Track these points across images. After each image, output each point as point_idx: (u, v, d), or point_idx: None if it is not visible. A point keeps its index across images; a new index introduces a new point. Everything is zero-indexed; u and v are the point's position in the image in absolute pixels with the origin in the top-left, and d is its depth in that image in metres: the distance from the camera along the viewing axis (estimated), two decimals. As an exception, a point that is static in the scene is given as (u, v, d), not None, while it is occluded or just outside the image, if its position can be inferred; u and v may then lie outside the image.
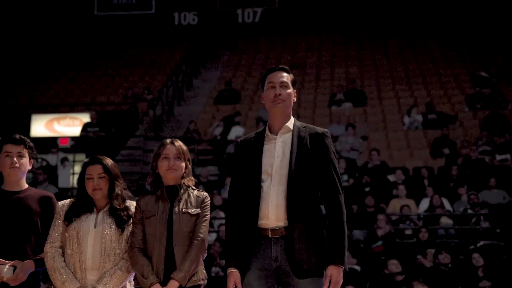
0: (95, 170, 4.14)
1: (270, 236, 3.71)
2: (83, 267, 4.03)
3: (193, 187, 4.16)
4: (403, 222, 11.08)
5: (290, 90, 3.90)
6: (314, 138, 3.83)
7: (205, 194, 4.16)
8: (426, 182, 12.16)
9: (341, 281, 3.67)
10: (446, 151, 13.47)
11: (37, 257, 4.14)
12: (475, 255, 9.18)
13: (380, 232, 10.25)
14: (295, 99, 3.98)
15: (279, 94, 3.86)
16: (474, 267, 9.04)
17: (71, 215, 4.10)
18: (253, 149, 3.88)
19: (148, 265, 3.94)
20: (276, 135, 3.88)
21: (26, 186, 4.37)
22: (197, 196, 4.11)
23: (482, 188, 11.51)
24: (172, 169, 4.06)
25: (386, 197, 11.70)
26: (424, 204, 11.39)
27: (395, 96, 17.33)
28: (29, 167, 4.39)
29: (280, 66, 4.02)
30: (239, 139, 4.07)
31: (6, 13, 20.61)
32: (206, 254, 4.10)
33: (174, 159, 4.07)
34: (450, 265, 9.18)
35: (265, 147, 3.86)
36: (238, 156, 3.95)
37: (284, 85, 3.89)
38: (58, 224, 4.11)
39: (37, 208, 4.22)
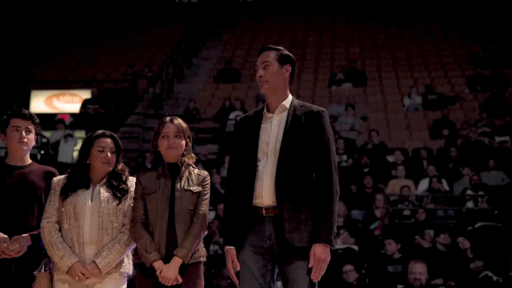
0: (107, 144, 4.15)
1: (264, 214, 3.73)
2: (81, 241, 4.04)
3: (194, 165, 4.17)
4: (402, 202, 11.10)
5: (275, 67, 3.86)
6: (310, 116, 3.81)
7: (206, 172, 4.18)
8: (425, 163, 12.17)
9: (327, 259, 3.67)
10: (446, 132, 13.48)
11: (34, 232, 4.14)
12: (460, 239, 9.19)
13: (377, 213, 10.27)
14: (289, 73, 3.91)
15: (260, 76, 3.87)
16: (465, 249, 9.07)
17: (67, 190, 4.10)
18: (251, 128, 3.88)
19: (151, 241, 3.96)
20: (273, 113, 3.87)
21: (30, 161, 4.37)
22: (198, 175, 4.13)
23: (481, 170, 11.52)
24: (172, 147, 4.06)
25: (385, 177, 11.72)
26: (423, 185, 11.41)
27: (395, 77, 17.30)
28: (34, 143, 4.39)
29: (265, 46, 3.98)
30: (238, 117, 4.08)
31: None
32: (207, 231, 4.13)
33: (174, 138, 4.07)
34: (447, 246, 9.21)
35: (262, 126, 3.86)
36: (237, 134, 3.96)
37: (266, 65, 3.86)
38: (54, 200, 4.12)
39: (41, 183, 4.23)
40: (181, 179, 4.06)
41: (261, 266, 3.72)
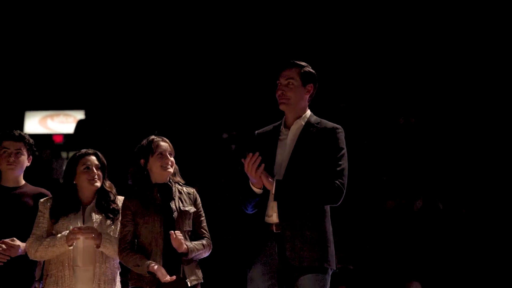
0: (93, 161, 4.11)
1: (274, 231, 3.69)
2: (71, 265, 3.98)
3: (180, 183, 4.10)
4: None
5: (298, 86, 3.81)
6: (324, 134, 3.76)
7: (193, 189, 4.12)
8: None
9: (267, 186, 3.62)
10: None
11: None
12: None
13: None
14: (310, 93, 3.85)
15: (281, 94, 3.81)
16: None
17: (58, 213, 4.03)
18: (268, 145, 3.84)
19: (141, 257, 3.85)
20: (289, 130, 3.84)
21: (23, 182, 4.34)
22: (188, 193, 4.06)
23: None
24: (169, 166, 4.00)
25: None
26: None
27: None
28: (28, 164, 4.35)
29: (289, 61, 3.89)
30: (256, 132, 4.01)
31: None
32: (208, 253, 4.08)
33: (170, 156, 4.03)
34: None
35: (279, 144, 3.82)
36: (254, 149, 3.84)
37: (289, 82, 3.80)
38: (42, 222, 4.06)
39: (33, 205, 4.19)
40: (174, 199, 3.97)
41: (268, 285, 3.67)
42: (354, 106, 11.81)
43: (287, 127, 3.86)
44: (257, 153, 3.61)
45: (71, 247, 3.93)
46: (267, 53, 13.17)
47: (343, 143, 3.77)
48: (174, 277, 3.79)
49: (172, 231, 3.80)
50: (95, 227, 4.01)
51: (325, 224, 3.73)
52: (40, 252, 3.95)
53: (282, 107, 3.84)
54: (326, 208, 3.76)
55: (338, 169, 3.69)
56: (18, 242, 4.04)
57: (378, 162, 10.58)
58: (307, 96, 3.86)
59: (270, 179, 3.64)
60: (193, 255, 3.90)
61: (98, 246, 3.95)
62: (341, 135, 3.79)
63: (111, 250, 3.96)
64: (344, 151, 3.76)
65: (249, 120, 12.55)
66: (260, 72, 13.21)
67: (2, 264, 4.00)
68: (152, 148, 4.00)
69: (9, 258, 4.01)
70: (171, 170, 4.01)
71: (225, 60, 13.99)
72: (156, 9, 14.67)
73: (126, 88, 15.12)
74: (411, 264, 9.25)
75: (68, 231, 3.93)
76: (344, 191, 3.68)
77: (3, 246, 3.99)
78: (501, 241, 9.05)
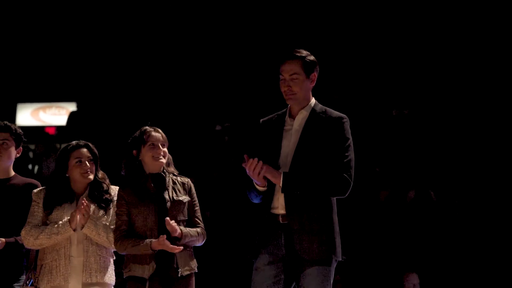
0: (84, 154, 4.09)
1: (281, 222, 3.68)
2: (67, 254, 3.98)
3: (174, 173, 4.10)
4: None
5: (302, 79, 3.75)
6: (329, 123, 3.72)
7: (188, 179, 4.12)
8: None
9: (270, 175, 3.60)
10: None
11: (10, 239, 4.09)
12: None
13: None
14: (315, 81, 3.81)
15: (288, 90, 3.76)
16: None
17: (52, 204, 4.04)
18: (273, 134, 3.81)
19: (137, 239, 3.87)
20: (294, 119, 3.80)
21: (13, 173, 4.32)
22: (182, 183, 4.06)
23: None
24: (161, 157, 3.99)
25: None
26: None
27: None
28: (17, 155, 4.33)
29: (289, 53, 3.82)
30: (261, 120, 3.96)
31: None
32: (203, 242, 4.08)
33: (162, 147, 4.02)
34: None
35: (284, 134, 3.79)
36: (259, 137, 3.87)
37: (293, 78, 3.74)
38: (37, 211, 4.06)
39: (23, 196, 4.18)
40: (167, 189, 3.97)
41: (273, 274, 3.66)
42: (347, 97, 11.81)
43: (292, 117, 3.82)
44: (256, 159, 3.58)
45: (75, 231, 3.92)
46: (260, 46, 13.15)
47: (349, 133, 3.74)
48: (181, 248, 3.81)
49: (167, 218, 3.81)
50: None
51: (332, 216, 3.72)
52: (41, 240, 3.95)
53: (289, 102, 3.80)
54: (332, 200, 3.74)
55: (345, 160, 3.67)
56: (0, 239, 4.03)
57: (371, 153, 10.59)
58: (312, 85, 3.83)
59: (276, 174, 3.61)
60: (187, 240, 3.90)
61: (82, 227, 3.93)
62: (347, 124, 3.75)
63: (94, 232, 3.96)
64: (350, 141, 3.73)
65: (243, 112, 12.54)
66: (253, 65, 13.19)
67: None
68: (143, 139, 4.00)
69: None
70: (163, 160, 4.01)
71: (218, 52, 13.96)
72: (147, 3, 14.63)
73: (119, 79, 15.08)
74: (408, 255, 9.28)
75: (68, 218, 3.94)
76: (352, 182, 3.67)
77: None
78: (495, 231, 9.08)
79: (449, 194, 9.77)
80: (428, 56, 12.66)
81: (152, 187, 3.96)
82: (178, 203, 3.96)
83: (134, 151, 4.02)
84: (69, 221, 3.92)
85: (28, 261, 4.24)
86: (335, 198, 3.76)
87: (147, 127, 4.07)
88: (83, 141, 4.17)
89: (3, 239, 4.04)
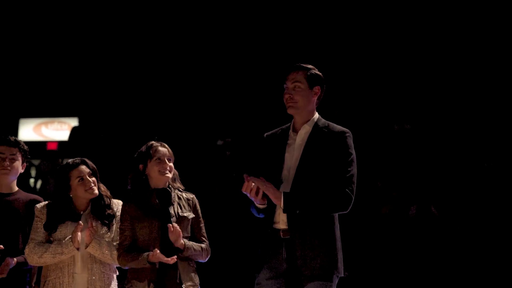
0: (84, 171, 4.10)
1: (282, 237, 3.69)
2: (70, 272, 3.98)
3: (180, 189, 4.10)
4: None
5: (305, 89, 3.78)
6: (333, 138, 3.73)
7: (193, 195, 4.12)
8: None
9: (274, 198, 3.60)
10: None
11: (20, 258, 4.08)
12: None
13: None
14: (318, 95, 3.82)
15: (289, 98, 3.79)
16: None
17: (55, 222, 4.03)
18: (276, 149, 3.83)
19: (138, 253, 3.86)
20: (297, 133, 3.82)
21: (17, 189, 4.32)
22: (187, 199, 4.05)
23: None
24: (167, 171, 3.99)
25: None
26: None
27: None
28: (21, 170, 4.34)
29: (295, 64, 3.87)
30: (265, 134, 3.98)
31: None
32: (207, 259, 4.07)
33: (168, 161, 4.03)
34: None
35: (287, 148, 3.80)
36: (262, 152, 3.89)
37: (295, 86, 3.78)
38: (40, 227, 4.05)
39: (26, 211, 4.18)
40: (173, 205, 3.96)
41: None
42: (348, 112, 11.83)
43: (295, 131, 3.84)
44: (251, 182, 3.61)
45: (79, 249, 3.93)
46: (262, 62, 13.19)
47: (351, 147, 3.75)
48: (175, 258, 3.79)
49: (170, 224, 3.81)
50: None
51: (334, 231, 3.72)
52: (45, 259, 3.95)
53: (290, 111, 3.82)
54: (335, 215, 3.75)
55: (347, 175, 3.68)
56: (11, 260, 4.03)
57: (373, 168, 10.59)
58: (315, 99, 3.84)
59: (277, 194, 3.62)
60: (189, 253, 3.89)
61: (87, 246, 3.94)
62: (350, 139, 3.76)
63: (98, 251, 3.96)
64: (353, 156, 3.74)
65: (244, 127, 12.56)
66: (255, 81, 13.23)
67: None
68: (150, 153, 4.00)
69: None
70: (170, 175, 4.01)
71: (221, 67, 14.00)
72: (148, 16, 14.68)
73: (121, 94, 15.11)
74: (408, 269, 9.25)
75: (70, 236, 3.94)
76: (353, 197, 3.67)
77: None
78: (495, 245, 9.07)
79: (451, 209, 9.76)
80: (430, 71, 12.70)
81: (156, 202, 3.95)
82: (183, 219, 3.95)
83: (141, 166, 4.02)
84: (72, 240, 3.91)
85: (31, 277, 4.23)
86: (337, 214, 3.76)
87: (153, 142, 4.07)
88: (79, 158, 4.16)
89: (15, 259, 4.05)
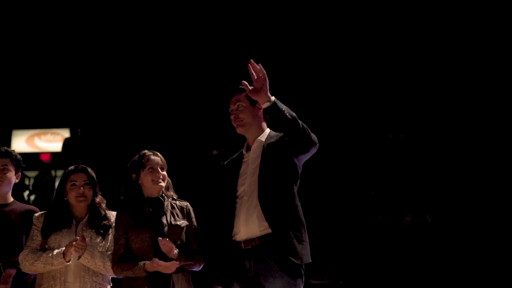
0: (80, 178, 4.10)
1: (243, 248, 3.74)
2: (62, 280, 3.98)
3: (174, 197, 4.09)
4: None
5: (247, 106, 3.90)
6: (283, 139, 3.80)
7: (186, 203, 4.12)
8: None
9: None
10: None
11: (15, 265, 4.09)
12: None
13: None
14: (262, 109, 3.88)
15: (233, 118, 3.94)
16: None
17: (51, 229, 4.03)
18: (231, 170, 3.95)
19: (133, 262, 3.85)
20: (251, 150, 3.91)
21: (12, 199, 4.31)
22: (181, 207, 4.05)
23: None
24: (161, 180, 3.99)
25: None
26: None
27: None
28: (16, 180, 4.33)
29: (235, 87, 3.97)
30: (225, 162, 4.12)
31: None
32: (200, 268, 4.06)
33: (161, 170, 4.02)
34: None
35: (241, 168, 3.90)
36: (220, 178, 4.06)
37: (238, 106, 3.91)
38: (36, 235, 4.07)
39: (21, 222, 4.18)
40: (165, 213, 3.96)
41: None
42: (342, 120, 11.84)
43: (249, 149, 3.94)
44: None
45: (69, 262, 3.90)
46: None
47: None
48: (177, 263, 3.81)
49: (160, 238, 3.79)
50: (86, 242, 3.98)
51: (296, 228, 3.74)
52: (36, 267, 3.95)
53: (239, 130, 3.94)
54: (299, 216, 3.78)
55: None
56: (12, 271, 4.02)
57: (367, 177, 10.59)
58: (260, 113, 3.93)
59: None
60: (183, 263, 3.87)
61: (79, 258, 3.91)
62: None
63: (91, 262, 3.95)
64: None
65: (239, 137, 12.55)
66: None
67: None
68: (143, 163, 4.02)
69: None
70: (163, 184, 4.01)
71: (216, 77, 14.01)
72: (141, 27, 14.69)
73: (114, 104, 15.10)
74: (404, 277, 9.25)
75: (63, 249, 3.91)
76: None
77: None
78: (490, 251, 9.09)
79: (445, 217, 9.78)
80: (424, 79, 12.73)
81: (150, 211, 3.94)
82: (176, 228, 3.95)
83: (134, 175, 4.03)
84: (64, 252, 3.90)
85: (26, 286, 4.22)
86: (301, 216, 3.78)
87: (146, 151, 4.09)
88: (82, 165, 4.18)
89: (15, 270, 4.04)
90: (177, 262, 3.81)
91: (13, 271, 4.03)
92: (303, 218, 3.79)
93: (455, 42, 12.64)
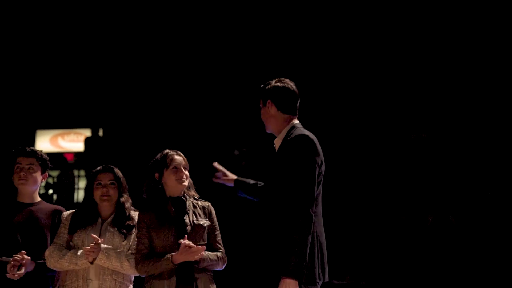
0: (106, 177, 4.14)
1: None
2: (84, 276, 4.02)
3: (195, 197, 4.11)
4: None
5: (262, 109, 3.94)
6: (285, 145, 3.78)
7: (208, 203, 4.13)
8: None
9: None
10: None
11: (40, 261, 4.11)
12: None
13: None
14: (274, 106, 3.87)
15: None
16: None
17: (77, 226, 4.09)
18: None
19: (157, 258, 3.86)
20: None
21: (39, 199, 4.35)
22: (203, 207, 4.07)
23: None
24: (184, 180, 4.00)
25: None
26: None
27: None
28: (43, 180, 4.36)
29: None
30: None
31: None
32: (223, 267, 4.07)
33: (184, 170, 4.04)
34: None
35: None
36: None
37: (261, 109, 3.94)
38: (63, 233, 4.13)
39: (48, 221, 4.22)
40: (188, 213, 3.98)
41: None
42: (364, 121, 11.81)
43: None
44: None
45: (93, 264, 3.96)
46: (280, 73, 13.19)
47: (298, 152, 3.67)
48: (204, 248, 3.85)
49: (181, 240, 3.80)
50: (108, 241, 4.04)
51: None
52: (61, 265, 4.00)
53: (267, 131, 4.01)
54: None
55: (293, 186, 3.64)
56: (27, 258, 4.04)
57: (389, 177, 10.56)
58: (273, 111, 3.89)
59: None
60: (205, 264, 3.90)
61: (92, 261, 3.97)
62: (299, 144, 3.70)
63: (107, 263, 3.99)
64: (300, 163, 3.65)
65: (261, 137, 12.56)
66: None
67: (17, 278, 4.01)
68: (166, 162, 4.03)
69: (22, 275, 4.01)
70: (186, 183, 4.03)
71: (237, 77, 14.02)
72: (166, 26, 14.74)
73: (136, 104, 15.16)
74: (426, 278, 9.21)
75: (87, 247, 3.98)
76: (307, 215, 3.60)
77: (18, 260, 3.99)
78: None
79: (469, 218, 9.72)
80: (447, 79, 12.65)
81: (172, 210, 3.96)
82: (198, 227, 3.96)
83: (157, 174, 4.04)
84: (86, 253, 3.96)
85: (53, 283, 4.26)
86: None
87: (168, 150, 4.10)
88: (109, 165, 4.23)
89: (34, 262, 4.07)
90: (203, 247, 3.82)
91: (29, 266, 4.04)
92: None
93: (479, 44, 12.55)
